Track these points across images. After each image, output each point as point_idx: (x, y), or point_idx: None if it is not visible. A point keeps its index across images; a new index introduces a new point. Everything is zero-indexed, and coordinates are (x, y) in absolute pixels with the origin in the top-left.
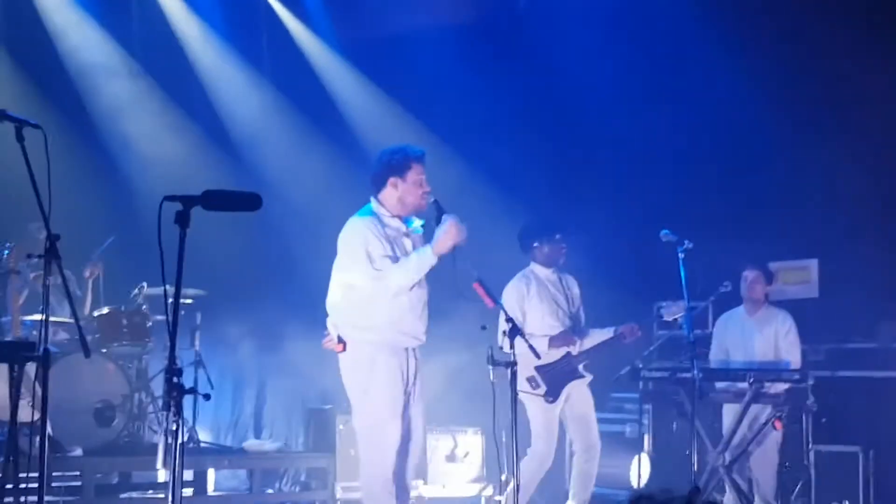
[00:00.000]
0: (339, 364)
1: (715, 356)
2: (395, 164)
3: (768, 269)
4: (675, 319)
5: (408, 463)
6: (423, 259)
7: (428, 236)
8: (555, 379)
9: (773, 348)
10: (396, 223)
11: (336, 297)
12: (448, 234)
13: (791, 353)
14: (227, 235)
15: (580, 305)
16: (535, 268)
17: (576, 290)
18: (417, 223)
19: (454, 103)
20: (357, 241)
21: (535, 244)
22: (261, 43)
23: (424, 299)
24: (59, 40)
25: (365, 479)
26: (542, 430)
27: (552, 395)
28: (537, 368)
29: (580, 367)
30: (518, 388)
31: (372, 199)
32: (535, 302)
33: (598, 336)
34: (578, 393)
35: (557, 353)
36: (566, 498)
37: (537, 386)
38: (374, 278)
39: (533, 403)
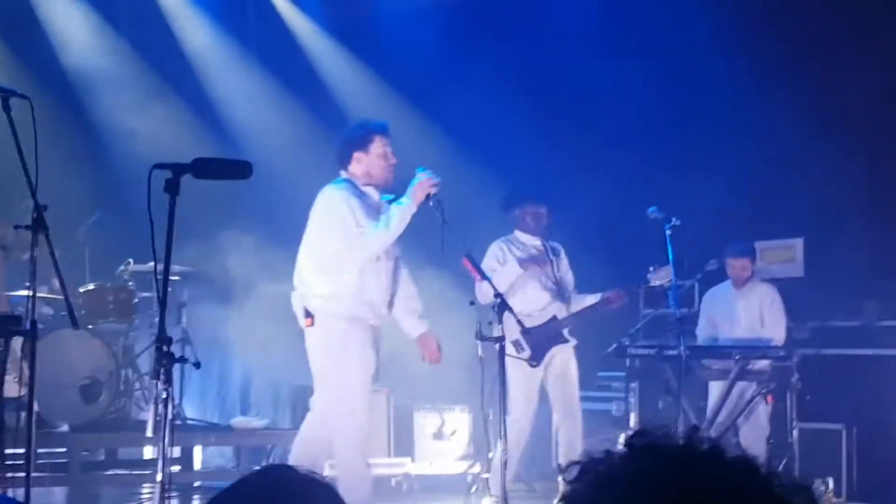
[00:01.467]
0: (305, 339)
1: (703, 330)
2: (357, 138)
3: (753, 249)
4: (662, 285)
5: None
6: (403, 209)
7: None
8: (539, 343)
9: (759, 319)
10: (371, 191)
11: (306, 270)
12: (421, 184)
13: (775, 323)
14: (213, 212)
15: (567, 270)
16: (519, 234)
17: (562, 257)
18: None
19: (441, 80)
20: (335, 205)
21: (517, 211)
22: (247, 18)
23: (393, 271)
24: (43, 15)
25: (346, 460)
26: (520, 395)
27: (536, 359)
28: (522, 332)
29: (565, 331)
30: (507, 353)
31: (342, 172)
32: (513, 262)
33: (584, 301)
34: (562, 357)
35: (544, 316)
36: (555, 474)
37: (522, 350)
38: (357, 236)
39: (515, 367)
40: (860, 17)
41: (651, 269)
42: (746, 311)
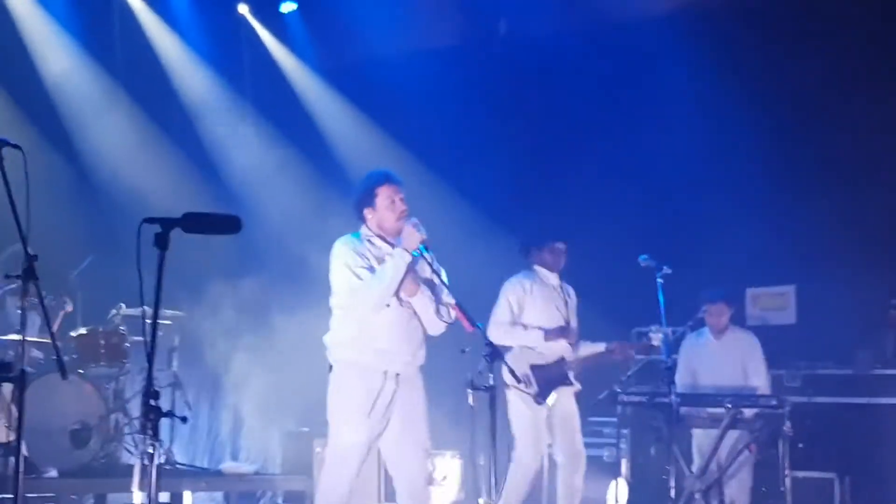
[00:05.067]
0: None
1: (682, 379)
2: (362, 195)
3: (730, 294)
4: (654, 345)
5: (400, 498)
6: (397, 259)
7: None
8: (546, 381)
9: (741, 370)
10: (380, 242)
11: (331, 319)
12: (409, 232)
13: (759, 372)
14: (205, 257)
15: (576, 316)
16: (539, 269)
17: (573, 300)
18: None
19: (435, 126)
20: (336, 258)
21: (536, 249)
22: (243, 66)
23: (410, 318)
24: (40, 63)
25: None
26: (526, 434)
27: (542, 395)
28: (532, 367)
29: (571, 374)
30: (509, 383)
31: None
32: (537, 298)
33: (589, 348)
34: (565, 400)
35: (552, 356)
36: None
37: (530, 385)
38: (355, 288)
39: (521, 404)
40: (866, 68)
41: (652, 328)
42: (728, 359)
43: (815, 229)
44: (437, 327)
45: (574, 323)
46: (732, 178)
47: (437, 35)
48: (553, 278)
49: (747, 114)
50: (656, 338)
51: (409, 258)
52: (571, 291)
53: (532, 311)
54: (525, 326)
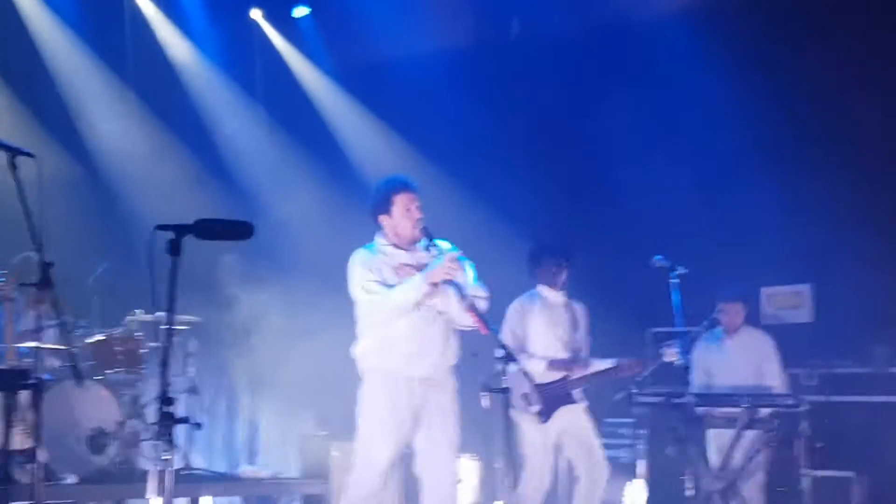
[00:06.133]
0: None
1: (697, 379)
2: (378, 202)
3: (746, 293)
4: (673, 362)
5: (428, 500)
6: (413, 285)
7: None
8: (548, 400)
9: (755, 369)
10: (393, 251)
11: (356, 333)
12: (442, 267)
13: (774, 371)
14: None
15: (585, 333)
16: (542, 289)
17: (582, 317)
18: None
19: (447, 128)
20: (350, 273)
21: (540, 267)
22: (257, 70)
23: (434, 319)
24: (53, 69)
25: None
26: (533, 453)
27: (545, 415)
28: (536, 386)
29: (574, 392)
30: (513, 403)
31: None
32: (539, 322)
33: (598, 365)
34: (574, 419)
35: (554, 375)
36: None
37: (530, 404)
38: (369, 304)
39: (526, 424)
40: (886, 62)
41: (665, 344)
42: (742, 359)
43: (831, 227)
44: (466, 318)
45: (582, 342)
46: (747, 176)
47: (450, 36)
48: (558, 297)
49: (763, 111)
50: (669, 354)
51: (426, 290)
52: (580, 308)
53: (535, 333)
54: (529, 355)
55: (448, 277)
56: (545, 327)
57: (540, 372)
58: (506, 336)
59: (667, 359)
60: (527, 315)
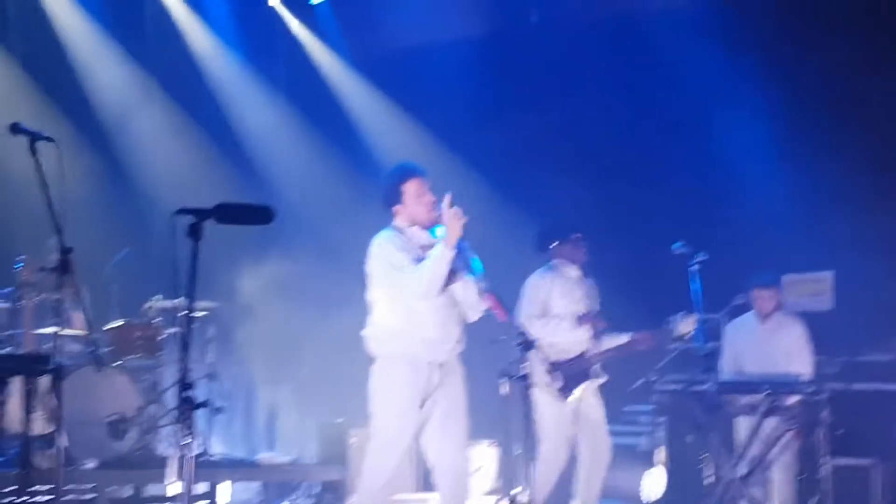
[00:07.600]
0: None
1: (727, 363)
2: (389, 192)
3: (779, 280)
4: (683, 337)
5: (441, 492)
6: (438, 255)
7: None
8: (569, 376)
9: (785, 355)
10: (416, 232)
11: (371, 317)
12: (450, 225)
13: (804, 358)
14: (240, 247)
15: (598, 310)
16: (559, 264)
17: (596, 292)
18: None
19: (466, 116)
20: (379, 254)
21: (554, 244)
22: (276, 58)
23: (452, 306)
24: (73, 55)
25: (358, 493)
26: (551, 429)
27: (566, 390)
28: (553, 364)
29: (592, 368)
30: (534, 380)
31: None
32: (560, 290)
33: (612, 340)
34: (589, 396)
35: (573, 351)
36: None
37: (553, 380)
38: (400, 284)
39: (544, 400)
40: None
41: (672, 318)
42: (773, 345)
43: (852, 215)
44: (477, 313)
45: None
46: (768, 164)
47: (469, 25)
48: (573, 271)
49: (783, 99)
50: (685, 324)
51: (451, 255)
52: (593, 284)
53: (558, 299)
54: (559, 318)
55: (461, 228)
56: (564, 298)
57: (568, 330)
58: (530, 305)
59: (682, 329)
60: (549, 283)
